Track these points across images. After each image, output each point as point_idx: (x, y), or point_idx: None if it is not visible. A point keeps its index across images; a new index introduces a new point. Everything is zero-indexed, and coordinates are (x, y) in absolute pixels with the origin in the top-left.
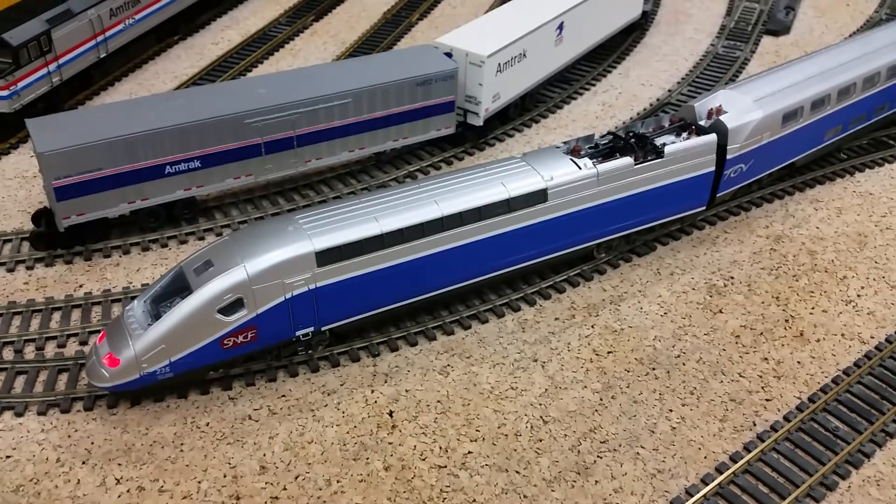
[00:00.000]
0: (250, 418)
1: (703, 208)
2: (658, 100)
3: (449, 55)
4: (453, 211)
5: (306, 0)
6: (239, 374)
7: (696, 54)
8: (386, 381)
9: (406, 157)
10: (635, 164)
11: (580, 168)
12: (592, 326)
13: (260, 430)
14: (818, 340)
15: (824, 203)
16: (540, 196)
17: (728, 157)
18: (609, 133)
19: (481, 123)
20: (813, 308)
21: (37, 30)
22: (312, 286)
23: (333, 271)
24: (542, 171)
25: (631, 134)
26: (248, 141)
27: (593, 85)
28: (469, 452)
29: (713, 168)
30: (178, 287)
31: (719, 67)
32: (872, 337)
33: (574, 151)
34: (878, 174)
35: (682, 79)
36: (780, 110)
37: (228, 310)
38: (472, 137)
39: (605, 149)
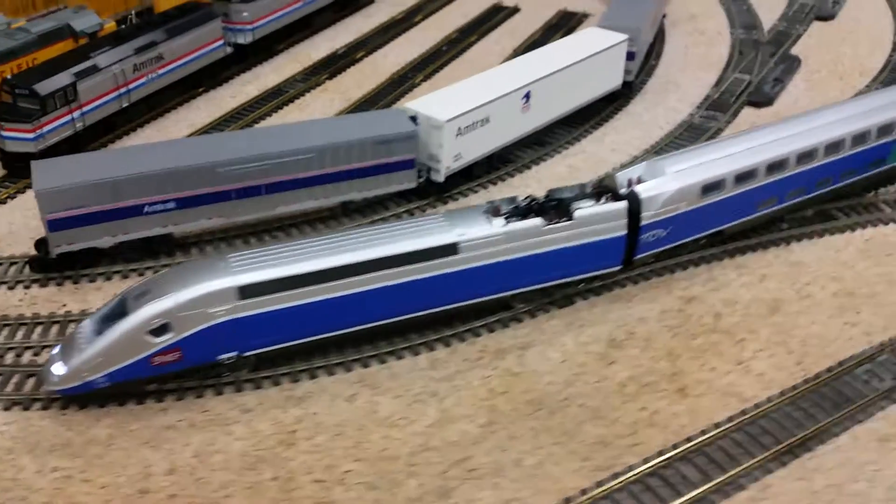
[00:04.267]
0: (173, 428)
1: (619, 268)
2: (621, 164)
3: (414, 118)
4: (367, 258)
5: (326, 60)
6: (172, 389)
7: (672, 123)
8: (297, 404)
9: (374, 206)
10: (545, 226)
11: (491, 226)
12: (495, 368)
13: (178, 438)
14: (698, 395)
15: (750, 269)
16: (450, 249)
17: (642, 223)
18: (529, 196)
19: (442, 180)
20: (702, 365)
21: (64, 82)
22: (234, 316)
23: (254, 304)
24: (456, 228)
25: (549, 197)
26: (220, 187)
27: (566, 148)
28: (349, 471)
29: (624, 232)
30: (120, 310)
31: (690, 137)
32: (755, 396)
33: (495, 211)
34: (816, 245)
35: (651, 146)
36: (699, 182)
37: (157, 332)
38: (435, 192)
39: (524, 209)
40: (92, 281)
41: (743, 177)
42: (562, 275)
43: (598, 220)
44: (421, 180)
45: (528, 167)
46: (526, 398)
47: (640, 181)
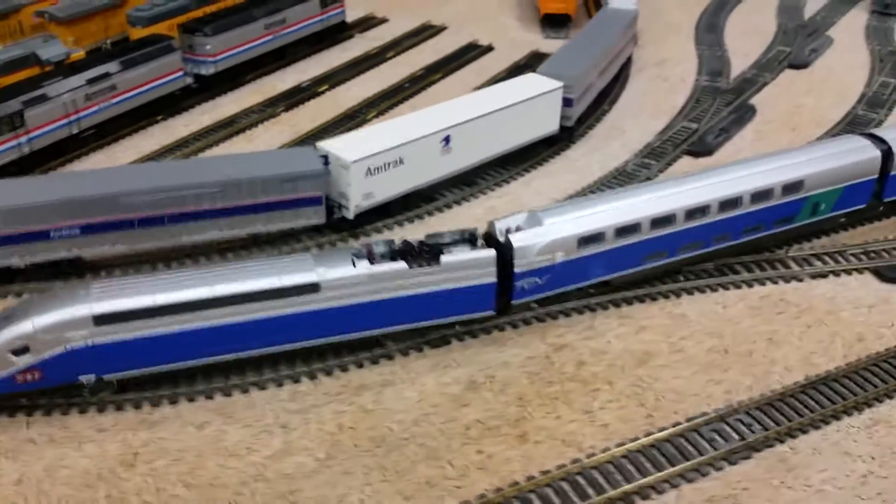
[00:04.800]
0: (33, 441)
1: (492, 313)
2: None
3: (326, 157)
4: (226, 293)
5: (289, 92)
6: (42, 405)
7: (606, 169)
8: (149, 428)
9: (285, 238)
10: (409, 269)
11: (355, 267)
12: (351, 404)
13: (34, 452)
14: (537, 442)
15: (633, 320)
16: (311, 288)
17: (516, 270)
18: (404, 240)
19: (352, 217)
20: (549, 413)
21: (12, 109)
22: (90, 342)
23: (110, 331)
24: (319, 268)
25: (423, 242)
26: (123, 216)
27: (492, 189)
28: (176, 495)
29: (494, 279)
30: None
31: (619, 183)
32: (592, 447)
33: (367, 252)
34: (706, 298)
35: (575, 192)
36: (574, 234)
37: (18, 353)
38: (347, 227)
39: (394, 253)
40: (2, 297)
41: (625, 230)
42: (430, 317)
43: (465, 266)
44: (336, 216)
45: (450, 206)
46: (370, 435)
47: (517, 230)
